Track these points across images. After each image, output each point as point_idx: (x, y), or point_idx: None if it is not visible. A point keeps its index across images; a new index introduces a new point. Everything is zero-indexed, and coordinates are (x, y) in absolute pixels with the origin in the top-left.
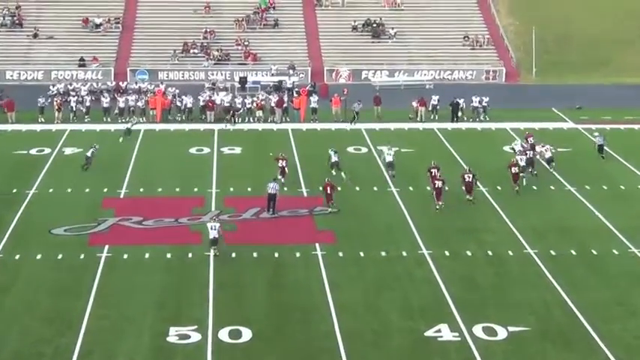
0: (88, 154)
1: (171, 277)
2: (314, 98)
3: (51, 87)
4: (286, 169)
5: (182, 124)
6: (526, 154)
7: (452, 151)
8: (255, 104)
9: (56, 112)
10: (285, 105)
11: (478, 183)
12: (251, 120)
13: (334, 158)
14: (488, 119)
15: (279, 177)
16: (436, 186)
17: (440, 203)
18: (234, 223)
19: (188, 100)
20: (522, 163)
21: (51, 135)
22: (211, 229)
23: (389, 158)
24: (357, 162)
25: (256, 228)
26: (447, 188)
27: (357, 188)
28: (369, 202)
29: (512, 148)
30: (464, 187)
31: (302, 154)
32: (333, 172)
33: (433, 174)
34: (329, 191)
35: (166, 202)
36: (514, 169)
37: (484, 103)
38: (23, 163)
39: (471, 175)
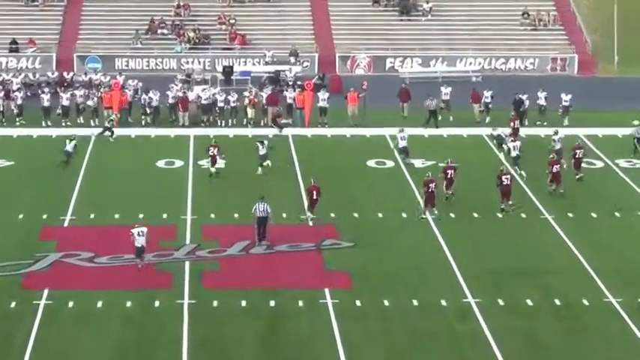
0: (69, 148)
1: (131, 332)
2: (323, 94)
3: None
4: (218, 158)
5: (146, 128)
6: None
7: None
8: (246, 101)
9: None
10: (283, 103)
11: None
12: (234, 123)
13: (402, 143)
14: (567, 123)
15: (211, 168)
16: (448, 176)
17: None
18: (217, 260)
19: (154, 97)
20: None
21: None
22: (138, 234)
23: (402, 143)
24: (381, 179)
25: (245, 267)
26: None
27: (380, 214)
28: (395, 232)
29: (499, 136)
30: (445, 183)
31: (306, 169)
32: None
33: (449, 175)
34: (314, 196)
35: (125, 232)
36: (555, 168)
37: (566, 102)
38: None
39: (452, 170)
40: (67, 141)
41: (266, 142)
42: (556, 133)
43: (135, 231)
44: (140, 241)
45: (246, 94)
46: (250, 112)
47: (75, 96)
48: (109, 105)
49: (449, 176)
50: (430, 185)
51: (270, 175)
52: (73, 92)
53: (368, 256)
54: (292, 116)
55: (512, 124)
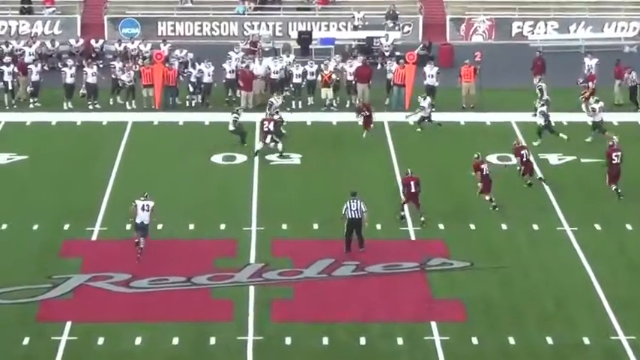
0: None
1: None
2: (430, 69)
3: None
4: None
5: (198, 112)
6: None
7: None
8: (325, 77)
9: None
10: (377, 80)
11: None
12: (313, 102)
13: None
14: None
15: (260, 143)
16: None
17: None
18: (290, 285)
19: (207, 71)
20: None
21: None
22: (142, 209)
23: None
24: (505, 180)
25: (328, 294)
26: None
27: (504, 226)
28: (523, 249)
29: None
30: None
31: (407, 165)
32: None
33: (484, 171)
34: (413, 189)
35: (171, 248)
36: (615, 156)
37: None
38: None
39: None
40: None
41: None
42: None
43: (139, 203)
44: (142, 217)
45: (323, 67)
46: (326, 92)
47: (105, 70)
48: (148, 82)
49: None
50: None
51: (361, 175)
52: (100, 66)
53: (487, 279)
54: (388, 96)
55: None
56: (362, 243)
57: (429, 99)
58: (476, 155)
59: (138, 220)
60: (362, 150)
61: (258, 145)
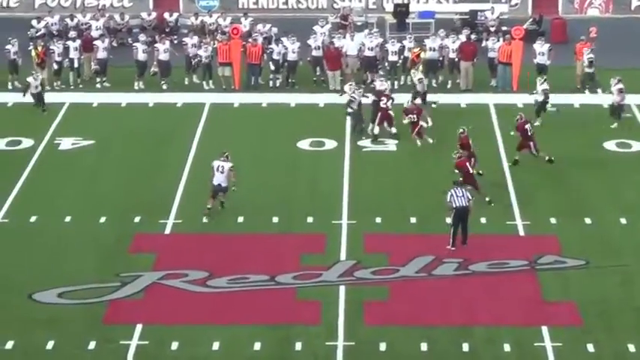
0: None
1: None
2: (540, 45)
3: (33, 23)
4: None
5: (282, 92)
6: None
7: None
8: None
9: (39, 68)
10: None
11: None
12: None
13: None
14: None
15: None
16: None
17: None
18: (386, 285)
19: (291, 48)
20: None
21: (32, 114)
22: (217, 170)
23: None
24: (626, 168)
25: (427, 295)
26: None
27: (623, 220)
28: None
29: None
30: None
31: (513, 154)
32: None
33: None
34: (469, 170)
35: (253, 243)
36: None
37: None
38: None
39: None
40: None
41: (356, 95)
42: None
43: (215, 164)
44: (218, 179)
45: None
46: (415, 75)
47: (179, 47)
48: (225, 60)
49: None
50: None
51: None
52: (176, 41)
53: (605, 279)
54: (495, 75)
55: None
56: (466, 237)
57: (545, 84)
58: (518, 117)
59: (215, 182)
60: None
61: (376, 130)
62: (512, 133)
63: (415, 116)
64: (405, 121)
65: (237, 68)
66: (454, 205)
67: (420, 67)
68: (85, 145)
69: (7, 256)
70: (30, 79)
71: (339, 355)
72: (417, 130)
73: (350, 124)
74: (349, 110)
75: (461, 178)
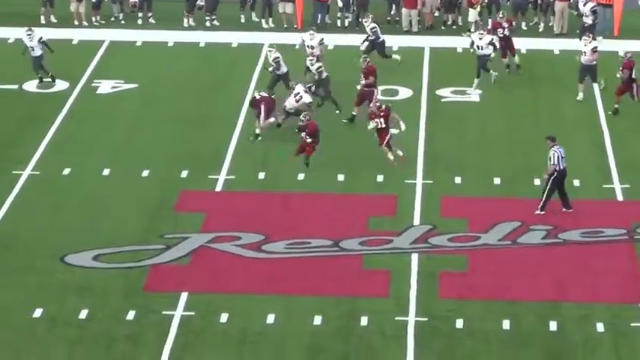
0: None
1: None
2: None
3: None
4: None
5: (352, 34)
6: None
7: None
8: None
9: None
10: None
11: None
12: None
13: None
14: None
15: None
16: None
17: None
18: (464, 253)
19: None
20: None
21: (68, 52)
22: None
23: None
24: None
25: (511, 266)
26: None
27: None
28: None
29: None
30: None
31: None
32: None
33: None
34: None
35: (315, 203)
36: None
37: None
38: (9, 111)
39: None
40: None
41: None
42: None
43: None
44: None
45: None
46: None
47: None
48: None
49: None
50: None
51: (556, 117)
52: None
53: None
54: None
55: None
56: (568, 201)
57: None
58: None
59: (289, 105)
60: (557, 86)
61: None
62: (601, 83)
63: (382, 121)
64: (370, 127)
65: (301, 5)
66: (560, 167)
67: (478, 8)
68: (126, 89)
69: (37, 213)
70: (24, 38)
71: (410, 332)
72: (386, 140)
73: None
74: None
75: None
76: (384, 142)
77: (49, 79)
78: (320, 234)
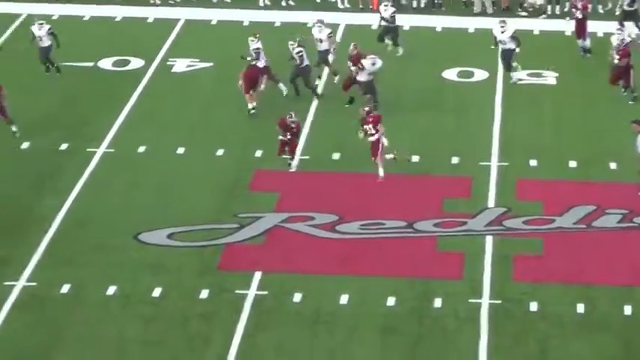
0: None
1: (396, 346)
2: None
3: None
4: None
5: (425, 14)
6: None
7: None
8: None
9: None
10: None
11: None
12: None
13: None
14: None
15: None
16: None
17: None
18: (539, 236)
19: None
20: None
21: (144, 30)
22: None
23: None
24: None
25: (586, 249)
26: None
27: None
28: None
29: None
30: None
31: None
32: None
33: None
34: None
35: (389, 185)
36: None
37: None
38: (84, 89)
39: None
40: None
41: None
42: None
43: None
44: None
45: None
46: None
47: None
48: None
49: None
50: None
51: None
52: None
53: None
54: None
55: None
56: None
57: None
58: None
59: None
60: (635, 69)
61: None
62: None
63: (371, 127)
64: (360, 136)
65: None
66: None
67: None
68: (202, 68)
69: (111, 191)
70: (34, 28)
71: (484, 314)
72: (379, 150)
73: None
74: None
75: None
76: (377, 156)
77: (55, 70)
78: (394, 215)
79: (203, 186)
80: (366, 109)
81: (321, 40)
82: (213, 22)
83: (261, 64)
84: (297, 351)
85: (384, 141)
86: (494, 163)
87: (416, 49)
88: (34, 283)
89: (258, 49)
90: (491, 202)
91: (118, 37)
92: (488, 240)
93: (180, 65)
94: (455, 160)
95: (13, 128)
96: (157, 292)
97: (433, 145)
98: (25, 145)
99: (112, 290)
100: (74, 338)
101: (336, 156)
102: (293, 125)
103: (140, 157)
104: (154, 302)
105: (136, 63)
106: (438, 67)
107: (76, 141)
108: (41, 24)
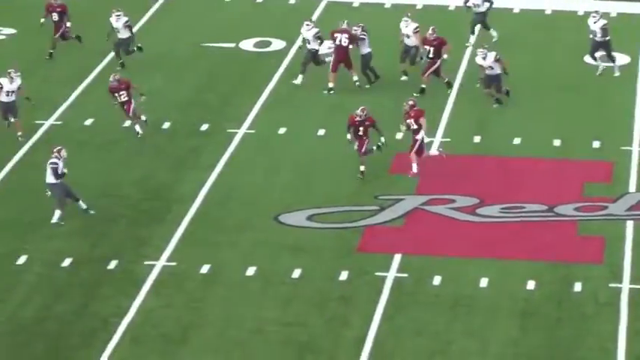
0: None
1: (534, 331)
2: None
3: None
4: None
5: None
6: None
7: None
8: None
9: None
10: None
11: None
12: None
13: None
14: None
15: None
16: None
17: None
18: None
19: None
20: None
21: (287, 11)
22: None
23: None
24: None
25: None
26: None
27: None
28: None
29: None
30: None
31: None
32: None
33: None
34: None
35: (530, 168)
36: None
37: None
38: (224, 71)
39: None
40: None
41: None
42: None
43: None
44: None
45: None
46: None
47: None
48: None
49: None
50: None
51: None
52: None
53: None
54: None
55: None
56: None
57: None
58: None
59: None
60: None
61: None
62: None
63: (412, 121)
64: (403, 129)
65: None
66: None
67: None
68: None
69: (251, 172)
70: (112, 19)
71: (624, 300)
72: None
73: None
74: None
75: None
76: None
77: (120, 64)
78: (535, 199)
79: (343, 168)
80: (410, 102)
81: (408, 36)
82: (355, 5)
83: (314, 47)
84: (436, 334)
85: (424, 136)
86: (635, 148)
87: (557, 33)
88: (174, 263)
89: (318, 32)
90: (632, 187)
91: (261, 18)
92: (629, 225)
93: (323, 47)
94: (596, 144)
95: (137, 128)
96: (296, 273)
97: (574, 129)
98: (165, 125)
99: (251, 271)
100: (213, 318)
101: (476, 139)
102: (365, 120)
103: (280, 139)
104: (294, 283)
105: (277, 44)
106: (579, 52)
107: (216, 122)
108: (118, 15)
